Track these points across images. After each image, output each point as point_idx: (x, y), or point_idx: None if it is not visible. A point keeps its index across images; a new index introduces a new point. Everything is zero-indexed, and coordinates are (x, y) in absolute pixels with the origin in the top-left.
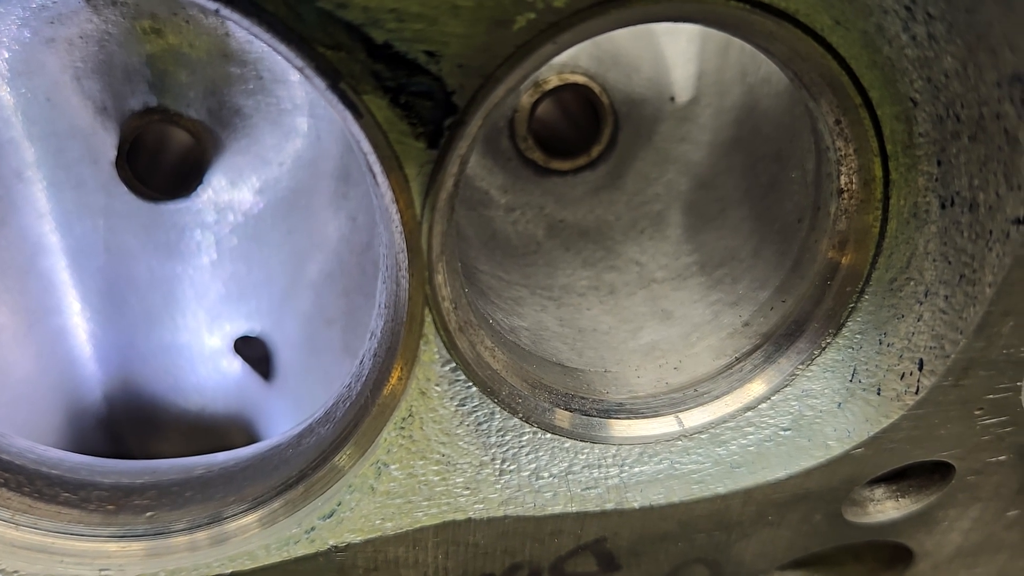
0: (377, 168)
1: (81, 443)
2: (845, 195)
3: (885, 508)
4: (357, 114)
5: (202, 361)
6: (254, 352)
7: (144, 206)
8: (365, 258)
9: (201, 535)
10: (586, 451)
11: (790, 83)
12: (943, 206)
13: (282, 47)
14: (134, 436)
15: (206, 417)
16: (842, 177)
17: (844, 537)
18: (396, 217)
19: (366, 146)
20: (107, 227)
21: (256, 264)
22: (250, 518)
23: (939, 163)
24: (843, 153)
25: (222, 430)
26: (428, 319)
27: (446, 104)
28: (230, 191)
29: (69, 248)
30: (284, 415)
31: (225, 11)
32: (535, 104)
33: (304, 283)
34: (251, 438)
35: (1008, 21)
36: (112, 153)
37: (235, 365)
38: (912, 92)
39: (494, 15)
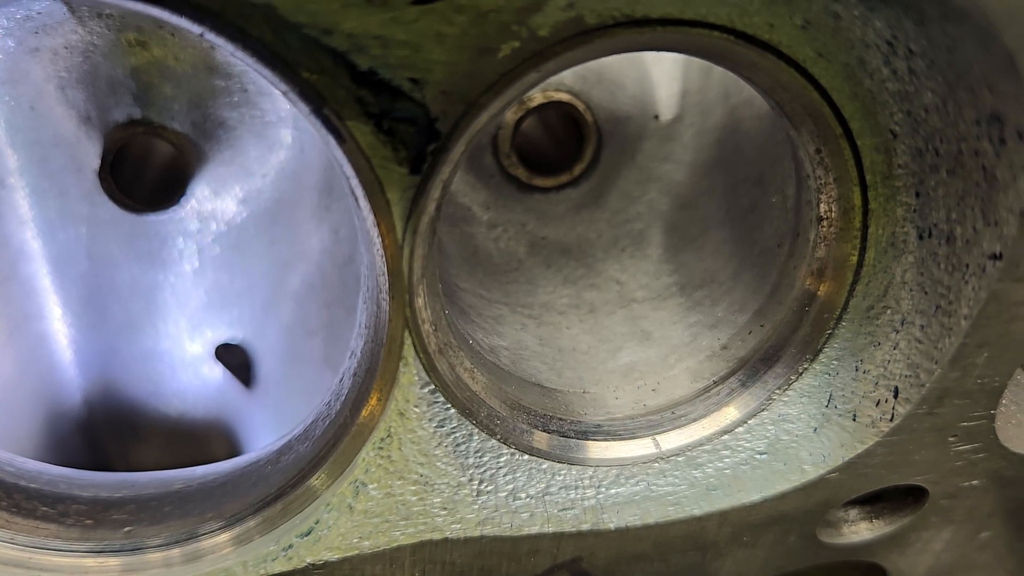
0: (359, 192)
1: (60, 449)
2: (824, 223)
3: (859, 529)
4: (340, 139)
5: (183, 368)
6: (235, 360)
7: (127, 216)
8: (347, 271)
9: (175, 552)
10: (563, 472)
11: (772, 111)
12: (921, 237)
13: (266, 71)
14: (114, 442)
15: (186, 423)
16: (822, 205)
17: (818, 557)
18: (378, 240)
19: (349, 170)
20: (90, 235)
21: (238, 273)
22: (225, 536)
23: (918, 195)
24: (823, 181)
25: (202, 437)
26: (408, 341)
27: (429, 130)
28: (213, 201)
29: (51, 255)
30: (264, 423)
31: (210, 35)
32: (519, 121)
33: (286, 293)
34: (231, 445)
35: (987, 63)
36: (96, 163)
37: (216, 372)
38: (892, 125)
39: (478, 43)
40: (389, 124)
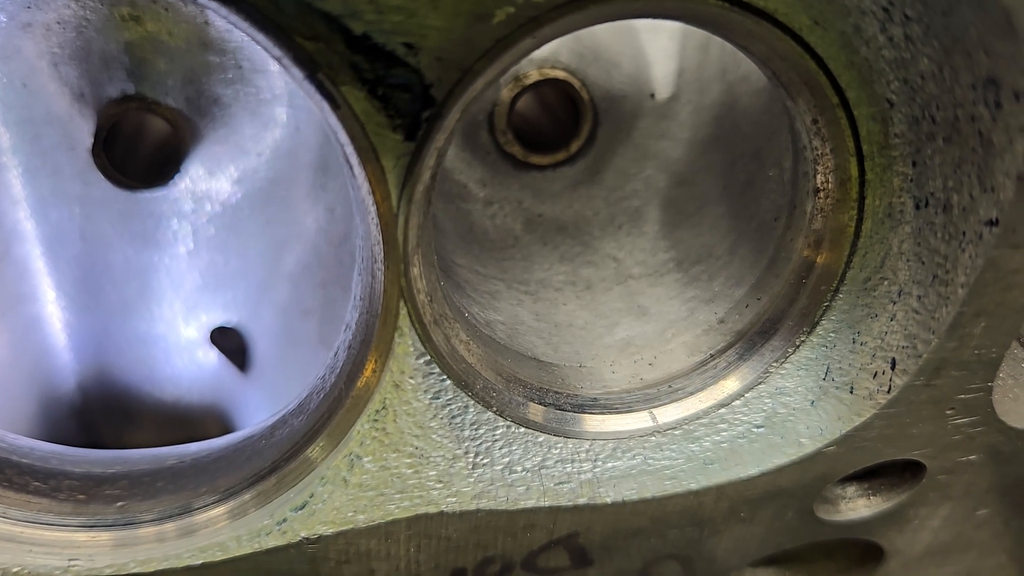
0: (354, 159)
1: (54, 432)
2: (821, 194)
3: (857, 506)
4: (334, 105)
5: (178, 351)
6: (230, 343)
7: (121, 194)
8: (343, 250)
9: (169, 526)
10: (559, 446)
11: (768, 82)
12: (917, 207)
13: (260, 36)
14: (108, 426)
15: (181, 408)
16: (818, 176)
17: (816, 534)
18: (372, 209)
19: (343, 137)
20: (83, 215)
21: (233, 254)
22: (219, 510)
23: (914, 164)
24: (820, 152)
25: (197, 421)
26: (403, 312)
27: (424, 97)
28: (208, 180)
29: (44, 235)
30: (260, 406)
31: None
32: (515, 98)
33: (281, 274)
34: (226, 429)
35: (984, 24)
36: (89, 140)
37: (211, 356)
38: (888, 93)
39: (473, 9)
40: (384, 90)
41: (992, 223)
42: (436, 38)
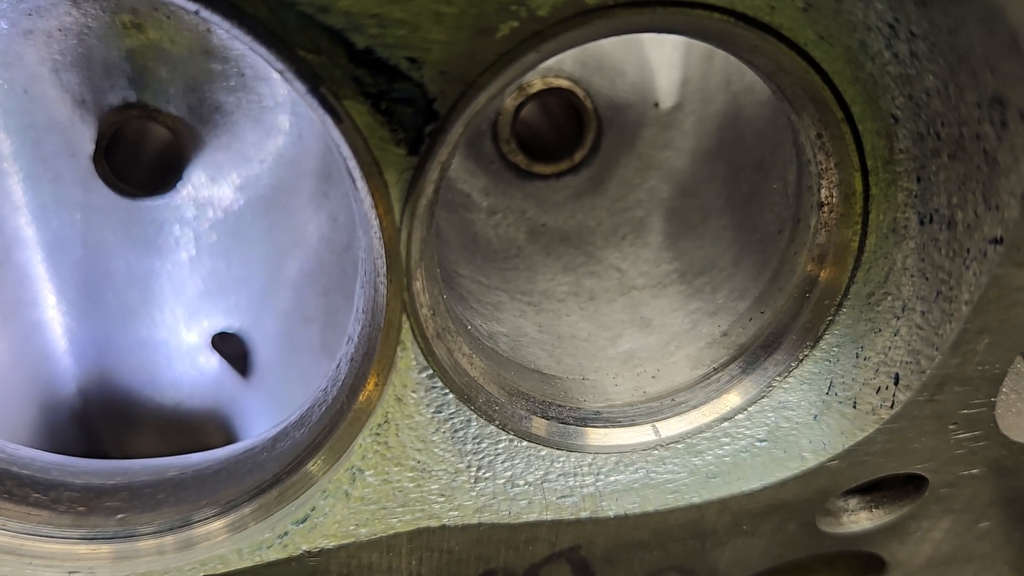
0: (357, 173)
1: (55, 438)
2: (825, 208)
3: (859, 519)
4: (337, 119)
5: (179, 357)
6: (232, 349)
7: (122, 201)
8: (345, 258)
9: (168, 539)
10: (562, 459)
11: (773, 95)
12: (922, 222)
13: (262, 50)
14: (109, 432)
15: (182, 413)
16: (823, 190)
17: (817, 546)
18: (375, 223)
19: (346, 151)
20: (84, 221)
21: (235, 261)
22: (219, 523)
23: (919, 180)
24: (824, 167)
25: (198, 427)
26: (406, 325)
27: (427, 111)
28: (210, 187)
29: (45, 241)
30: (261, 413)
31: (205, 12)
32: (519, 107)
33: (283, 281)
34: (227, 435)
35: (990, 44)
36: (90, 147)
37: (212, 362)
38: (894, 109)
39: (477, 23)
40: (387, 104)
41: (997, 241)
42: (439, 52)
